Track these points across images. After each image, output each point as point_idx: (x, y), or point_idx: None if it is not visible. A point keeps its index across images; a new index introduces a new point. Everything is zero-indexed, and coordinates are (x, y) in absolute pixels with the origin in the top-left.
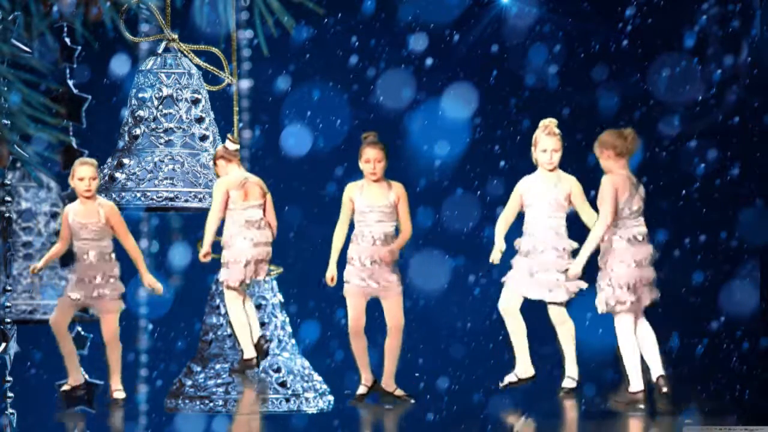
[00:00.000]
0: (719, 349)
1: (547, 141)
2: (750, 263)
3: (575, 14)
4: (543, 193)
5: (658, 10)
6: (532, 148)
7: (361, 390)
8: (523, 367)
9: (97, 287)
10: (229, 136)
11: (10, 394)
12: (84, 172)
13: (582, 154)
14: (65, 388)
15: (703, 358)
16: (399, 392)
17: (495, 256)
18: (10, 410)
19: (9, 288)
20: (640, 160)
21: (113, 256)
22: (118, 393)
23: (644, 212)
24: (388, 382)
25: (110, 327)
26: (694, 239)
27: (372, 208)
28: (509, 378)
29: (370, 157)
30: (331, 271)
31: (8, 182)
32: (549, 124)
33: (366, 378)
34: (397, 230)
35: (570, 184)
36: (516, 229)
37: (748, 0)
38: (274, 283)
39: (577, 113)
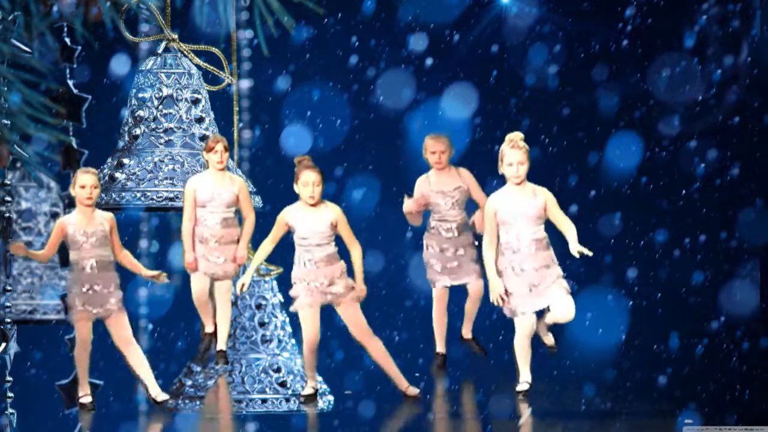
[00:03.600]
0: (719, 349)
1: (512, 154)
2: (750, 263)
3: (575, 14)
4: (520, 208)
5: (658, 10)
6: (499, 163)
7: (308, 390)
8: (525, 375)
9: (102, 296)
10: None
11: (10, 394)
12: (86, 180)
13: (582, 154)
14: (85, 400)
15: (703, 358)
16: (411, 391)
17: (497, 295)
18: (10, 410)
19: (9, 288)
20: (640, 160)
21: (114, 264)
22: (160, 396)
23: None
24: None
25: (122, 333)
26: (694, 239)
27: (312, 234)
28: (521, 388)
29: (309, 180)
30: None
31: (8, 182)
32: (514, 137)
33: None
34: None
35: (544, 195)
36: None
37: (748, 0)
38: (274, 283)
39: (577, 113)
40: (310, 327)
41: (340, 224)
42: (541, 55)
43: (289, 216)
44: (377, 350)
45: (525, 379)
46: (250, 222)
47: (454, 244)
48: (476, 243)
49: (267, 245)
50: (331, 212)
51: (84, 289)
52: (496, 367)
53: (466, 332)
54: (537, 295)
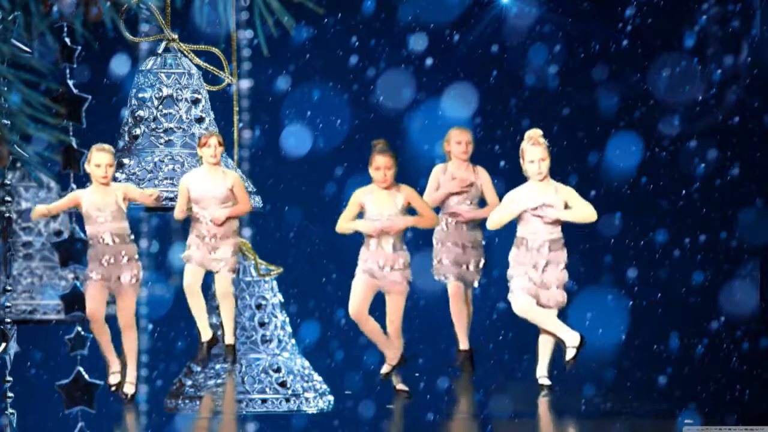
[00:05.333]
0: (719, 349)
1: (532, 151)
2: (750, 263)
3: (575, 14)
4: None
5: (658, 10)
6: (521, 161)
7: (385, 369)
8: (569, 335)
9: (119, 268)
10: None
11: (10, 394)
12: (101, 159)
13: (582, 154)
14: (114, 381)
15: (703, 358)
16: (400, 386)
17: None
18: (10, 410)
19: (9, 288)
20: (640, 160)
21: (131, 237)
22: (129, 387)
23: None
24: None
25: (127, 311)
26: (694, 239)
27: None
28: (570, 354)
29: (380, 165)
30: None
31: (8, 182)
32: (534, 134)
33: (390, 357)
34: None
35: (564, 193)
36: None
37: (748, 0)
38: (274, 283)
39: (577, 113)
40: (354, 297)
41: (412, 201)
42: (541, 55)
43: (361, 196)
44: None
45: (541, 374)
46: (243, 207)
47: (461, 238)
48: (483, 242)
49: (342, 222)
50: (402, 195)
51: (103, 261)
52: (496, 367)
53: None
54: (536, 289)
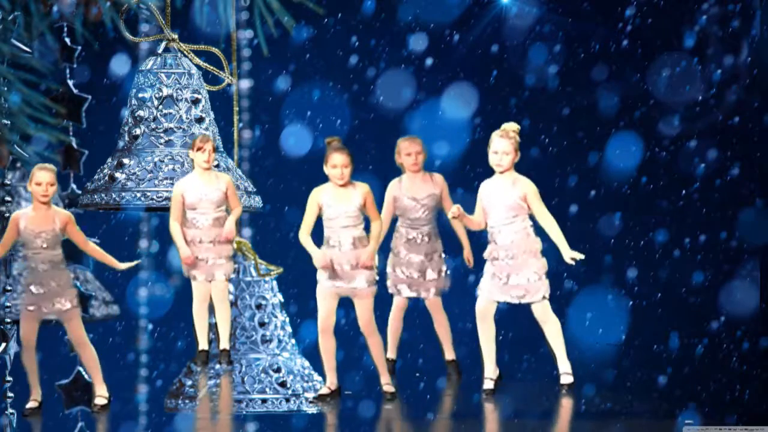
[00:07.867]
0: (719, 349)
1: (497, 143)
2: (750, 263)
3: (575, 14)
4: (498, 196)
5: (658, 10)
6: (488, 149)
7: (323, 391)
8: (491, 368)
9: (53, 296)
10: None
11: (10, 394)
12: (42, 177)
13: (582, 154)
14: (31, 405)
15: (703, 358)
16: (388, 388)
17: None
18: (10, 410)
19: (9, 288)
20: (640, 160)
21: (65, 263)
22: (100, 399)
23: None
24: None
25: (75, 333)
26: (694, 239)
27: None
28: (487, 385)
29: (337, 163)
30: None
31: (8, 182)
32: (507, 127)
33: (330, 381)
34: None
35: (524, 187)
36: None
37: (748, 0)
38: (274, 283)
39: (577, 113)
40: (323, 310)
41: (366, 202)
42: (541, 55)
43: (319, 195)
44: (375, 346)
45: (565, 371)
46: (239, 211)
47: (422, 251)
48: (443, 255)
49: (305, 229)
50: (359, 192)
51: (34, 290)
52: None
53: (449, 353)
54: (509, 286)
